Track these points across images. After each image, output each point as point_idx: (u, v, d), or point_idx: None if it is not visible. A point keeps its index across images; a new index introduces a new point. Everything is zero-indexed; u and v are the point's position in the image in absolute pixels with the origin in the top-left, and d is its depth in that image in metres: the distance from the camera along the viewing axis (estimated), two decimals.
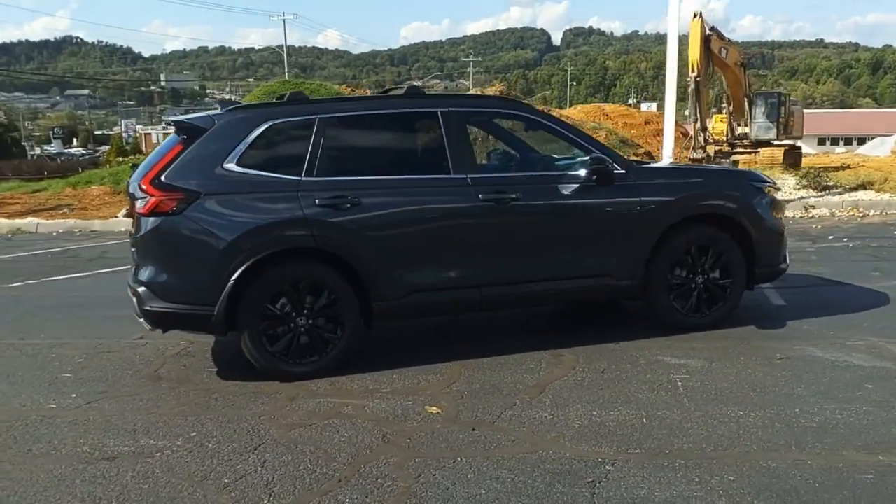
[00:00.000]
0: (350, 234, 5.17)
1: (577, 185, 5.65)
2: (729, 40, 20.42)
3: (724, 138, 22.29)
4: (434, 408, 4.64)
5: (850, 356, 5.34)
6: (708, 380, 4.96)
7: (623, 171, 5.77)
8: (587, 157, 5.66)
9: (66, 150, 73.52)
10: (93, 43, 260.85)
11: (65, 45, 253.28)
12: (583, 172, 5.62)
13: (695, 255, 5.97)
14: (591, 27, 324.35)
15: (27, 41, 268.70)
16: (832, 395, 4.62)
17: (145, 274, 5.08)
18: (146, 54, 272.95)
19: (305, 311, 5.17)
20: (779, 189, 6.92)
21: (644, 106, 54.17)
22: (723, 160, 19.88)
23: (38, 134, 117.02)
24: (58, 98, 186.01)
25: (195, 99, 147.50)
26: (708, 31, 19.08)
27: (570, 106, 43.46)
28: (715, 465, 3.74)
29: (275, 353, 5.14)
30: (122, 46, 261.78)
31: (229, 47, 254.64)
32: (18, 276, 9.63)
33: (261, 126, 5.21)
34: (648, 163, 8.82)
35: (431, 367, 5.38)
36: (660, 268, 5.88)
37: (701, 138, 19.23)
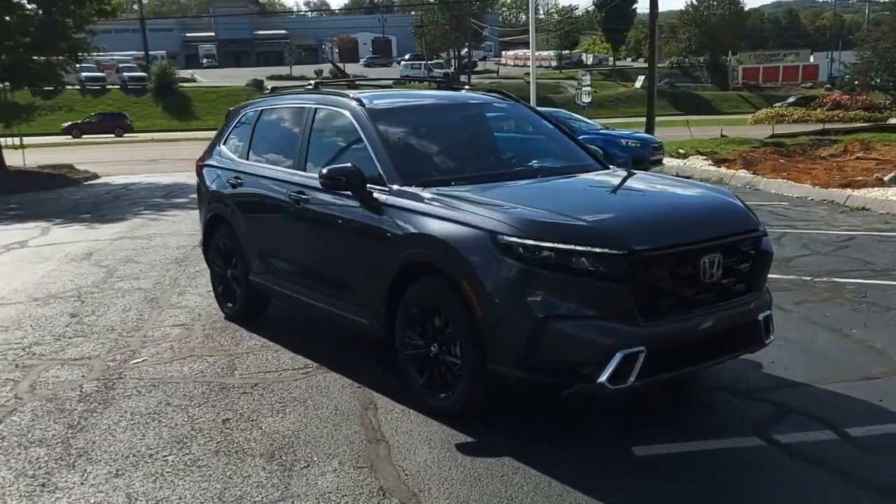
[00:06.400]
0: (233, 210, 6.26)
1: (336, 198, 5.04)
2: None
3: None
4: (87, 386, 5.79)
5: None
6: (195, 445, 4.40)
7: (384, 189, 4.73)
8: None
9: None
10: None
11: None
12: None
13: (426, 316, 4.45)
14: None
15: None
16: None
17: None
18: None
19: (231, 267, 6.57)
20: (572, 256, 3.65)
21: None
22: None
23: None
24: None
25: None
26: None
27: None
28: None
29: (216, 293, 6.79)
30: None
31: None
32: None
33: (238, 115, 6.69)
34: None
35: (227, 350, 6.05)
36: (399, 320, 4.62)
37: None
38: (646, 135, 17.82)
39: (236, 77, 69.30)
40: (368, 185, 4.78)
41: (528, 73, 74.92)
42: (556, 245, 3.85)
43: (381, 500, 3.59)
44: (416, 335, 4.52)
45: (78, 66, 58.40)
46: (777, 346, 5.42)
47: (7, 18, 20.26)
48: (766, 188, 13.91)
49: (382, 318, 4.71)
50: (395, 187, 4.67)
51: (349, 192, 4.87)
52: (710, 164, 17.09)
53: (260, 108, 6.43)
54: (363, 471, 3.86)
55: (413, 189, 4.61)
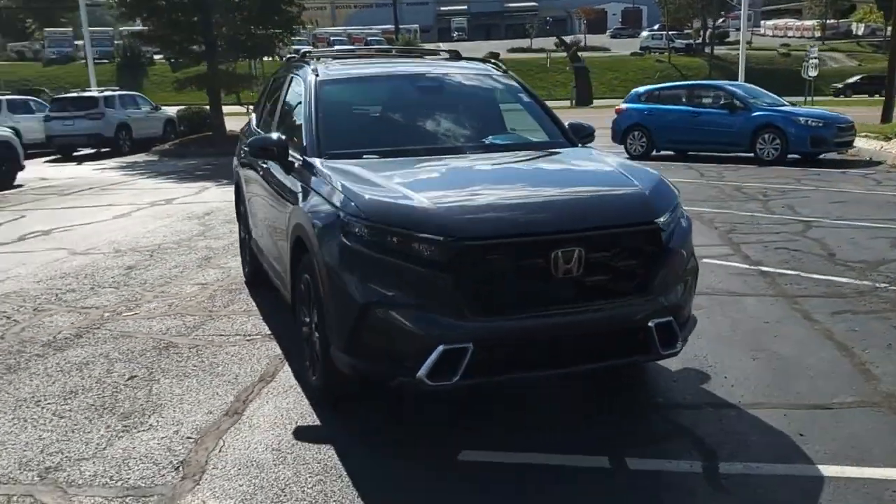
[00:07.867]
0: (242, 176, 6.50)
1: (274, 168, 5.02)
2: None
3: None
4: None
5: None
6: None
7: (300, 160, 4.62)
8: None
9: None
10: None
11: None
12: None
13: (308, 293, 4.28)
14: None
15: None
16: None
17: None
18: None
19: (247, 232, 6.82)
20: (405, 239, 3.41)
21: None
22: None
23: None
24: None
25: None
26: None
27: None
28: None
29: (242, 257, 7.09)
30: None
31: None
32: None
33: (267, 83, 6.89)
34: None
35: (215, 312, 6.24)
36: (297, 295, 4.52)
37: None
38: (834, 113, 15.72)
39: (475, 51, 70.63)
40: (291, 156, 4.70)
41: (784, 44, 69.70)
42: (387, 227, 3.60)
43: (170, 472, 3.56)
44: (306, 312, 4.40)
45: (332, 38, 63.17)
46: (755, 359, 4.68)
47: None
48: None
49: (290, 293, 4.65)
50: (305, 158, 4.56)
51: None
52: None
53: (273, 77, 6.54)
54: (187, 442, 3.85)
55: (314, 160, 4.46)
